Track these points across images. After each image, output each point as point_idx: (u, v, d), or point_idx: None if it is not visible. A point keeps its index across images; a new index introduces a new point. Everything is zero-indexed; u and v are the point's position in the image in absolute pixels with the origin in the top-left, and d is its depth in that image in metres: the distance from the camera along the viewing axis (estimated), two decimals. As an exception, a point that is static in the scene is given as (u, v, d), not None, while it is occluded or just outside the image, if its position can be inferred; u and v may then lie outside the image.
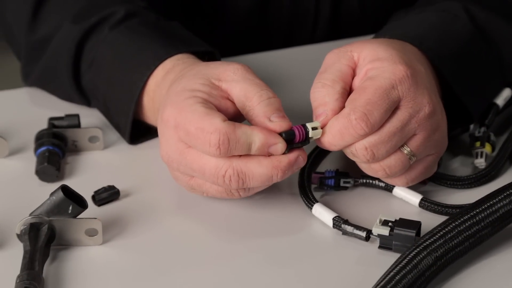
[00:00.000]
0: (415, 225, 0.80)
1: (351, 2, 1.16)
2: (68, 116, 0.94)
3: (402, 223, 0.80)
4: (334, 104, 0.81)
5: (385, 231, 0.80)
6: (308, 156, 0.89)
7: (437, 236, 0.77)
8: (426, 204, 0.86)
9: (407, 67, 0.81)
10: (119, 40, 0.94)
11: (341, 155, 0.87)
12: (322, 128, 0.81)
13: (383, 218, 0.81)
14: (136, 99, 0.91)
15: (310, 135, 0.81)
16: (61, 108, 0.99)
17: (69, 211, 0.81)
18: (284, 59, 1.10)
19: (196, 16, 1.14)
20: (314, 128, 0.81)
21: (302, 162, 0.81)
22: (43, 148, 0.91)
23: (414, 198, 0.86)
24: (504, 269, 0.79)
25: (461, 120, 0.93)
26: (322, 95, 0.82)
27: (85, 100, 0.98)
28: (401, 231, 0.79)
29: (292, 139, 0.81)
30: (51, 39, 0.98)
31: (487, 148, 0.91)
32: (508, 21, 0.95)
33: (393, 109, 0.81)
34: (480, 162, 0.91)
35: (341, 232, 0.82)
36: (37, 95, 1.03)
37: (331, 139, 0.81)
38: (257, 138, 0.79)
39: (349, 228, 0.82)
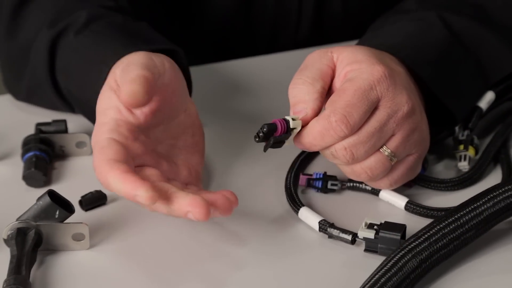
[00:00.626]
0: (400, 228, 0.80)
1: (334, 4, 1.16)
2: (55, 121, 0.94)
3: (387, 226, 0.81)
4: (314, 103, 0.82)
5: (371, 234, 0.80)
6: (295, 159, 0.90)
7: (421, 239, 0.78)
8: (412, 207, 0.86)
9: (385, 67, 0.82)
10: (84, 44, 0.93)
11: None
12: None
13: (368, 221, 0.81)
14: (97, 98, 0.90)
15: (291, 126, 0.81)
16: (48, 113, 0.99)
17: (56, 216, 0.81)
18: (267, 65, 1.10)
19: (179, 17, 1.14)
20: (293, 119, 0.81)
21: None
22: (30, 154, 0.91)
23: (400, 201, 0.87)
24: (488, 271, 0.80)
25: (446, 123, 0.94)
26: (302, 92, 0.83)
27: (70, 107, 0.98)
28: (386, 234, 0.80)
29: (274, 131, 0.80)
30: (31, 46, 0.97)
31: (471, 151, 0.92)
32: (483, 25, 0.96)
33: (372, 109, 0.82)
34: (464, 165, 0.92)
35: (327, 236, 0.83)
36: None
37: (312, 140, 0.81)
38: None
39: (335, 232, 0.82)
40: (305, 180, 0.88)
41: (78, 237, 0.82)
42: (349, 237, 0.82)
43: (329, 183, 0.88)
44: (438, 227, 0.79)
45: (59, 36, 0.95)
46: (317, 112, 0.82)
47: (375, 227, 0.81)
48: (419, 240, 0.78)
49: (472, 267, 0.80)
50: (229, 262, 0.81)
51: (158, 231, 0.85)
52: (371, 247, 0.81)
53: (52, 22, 0.96)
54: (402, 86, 0.83)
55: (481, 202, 0.80)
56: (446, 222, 0.79)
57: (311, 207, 0.86)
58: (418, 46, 0.92)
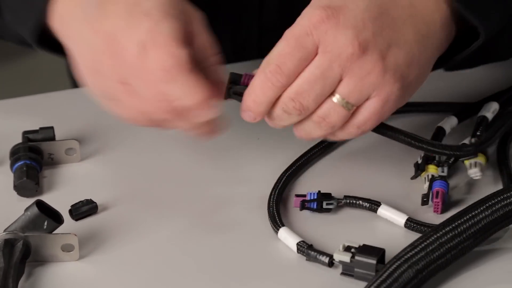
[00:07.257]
0: (378, 252, 0.77)
1: None
2: (42, 129, 0.93)
3: (365, 249, 0.77)
4: None
5: (346, 257, 0.77)
6: (281, 175, 0.88)
7: (418, 249, 0.76)
8: (412, 224, 0.83)
9: (325, 9, 0.78)
10: None
11: (320, 173, 0.85)
12: None
13: (346, 244, 0.78)
14: None
15: None
16: (34, 122, 0.96)
17: (45, 227, 0.80)
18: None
19: None
20: None
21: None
22: (20, 163, 0.89)
23: (400, 219, 0.83)
24: (486, 281, 0.78)
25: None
26: None
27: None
28: (362, 258, 0.76)
29: (238, 81, 0.81)
30: None
31: (480, 158, 0.88)
32: None
33: (312, 56, 0.78)
34: (475, 172, 0.87)
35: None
36: (5, 108, 1.01)
37: (255, 97, 0.79)
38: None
39: (312, 254, 0.79)
40: (299, 202, 0.85)
41: (67, 248, 0.80)
42: (326, 260, 0.79)
43: (324, 203, 0.84)
44: (435, 236, 0.77)
45: None
46: None
47: (352, 250, 0.77)
48: (416, 250, 0.76)
49: (471, 276, 0.78)
50: (208, 280, 0.79)
51: (149, 242, 0.83)
52: (347, 270, 0.77)
53: None
54: (348, 26, 0.78)
55: (479, 210, 0.78)
56: (444, 231, 0.77)
57: (303, 226, 0.83)
58: None
